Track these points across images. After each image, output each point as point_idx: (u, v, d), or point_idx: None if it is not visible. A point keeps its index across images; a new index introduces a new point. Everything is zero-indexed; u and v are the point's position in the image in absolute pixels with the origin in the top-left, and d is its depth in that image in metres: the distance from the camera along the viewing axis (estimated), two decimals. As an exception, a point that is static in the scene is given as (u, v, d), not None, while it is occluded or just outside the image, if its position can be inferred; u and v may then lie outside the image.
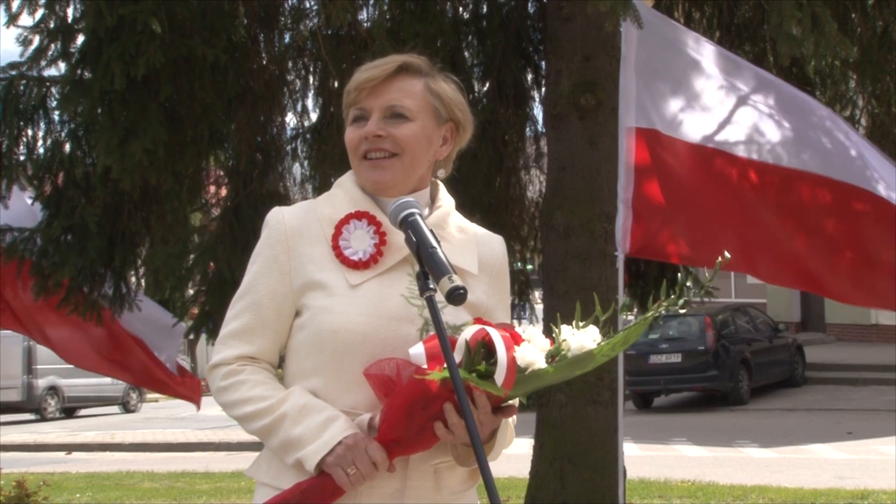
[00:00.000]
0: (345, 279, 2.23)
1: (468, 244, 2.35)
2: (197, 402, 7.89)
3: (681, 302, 2.20)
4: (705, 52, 5.24)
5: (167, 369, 7.53)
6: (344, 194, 2.33)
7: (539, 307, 8.49)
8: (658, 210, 5.15)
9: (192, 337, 6.91)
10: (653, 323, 2.26)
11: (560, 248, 6.17)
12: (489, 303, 2.35)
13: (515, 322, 2.31)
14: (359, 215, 2.28)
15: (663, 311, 2.21)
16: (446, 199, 2.40)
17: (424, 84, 2.35)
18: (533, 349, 2.12)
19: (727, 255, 2.23)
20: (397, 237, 2.25)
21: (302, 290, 2.25)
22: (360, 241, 2.26)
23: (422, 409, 2.10)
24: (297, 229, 2.28)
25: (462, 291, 2.03)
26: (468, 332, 2.13)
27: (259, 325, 2.26)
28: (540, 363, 2.11)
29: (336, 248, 2.25)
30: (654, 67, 5.17)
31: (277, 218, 2.30)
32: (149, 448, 17.88)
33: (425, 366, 2.09)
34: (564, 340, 2.15)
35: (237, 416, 2.26)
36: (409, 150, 2.30)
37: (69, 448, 18.52)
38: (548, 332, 2.22)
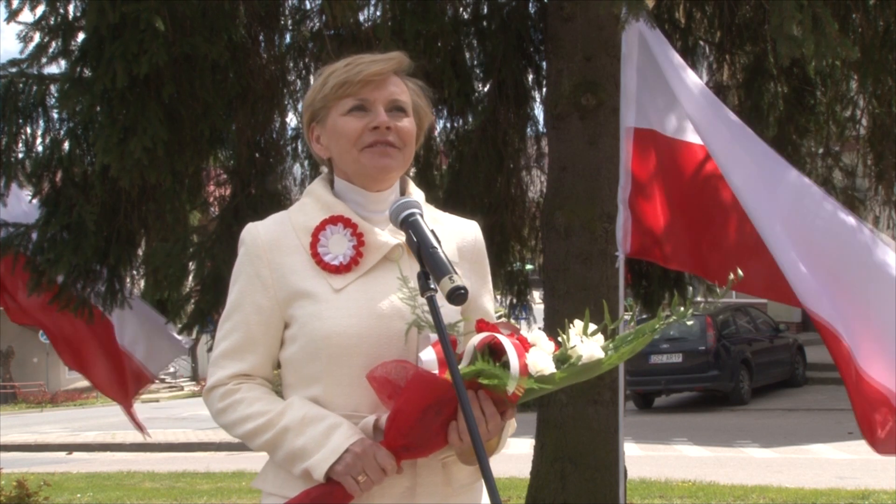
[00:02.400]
0: (329, 285, 2.23)
1: (443, 235, 2.33)
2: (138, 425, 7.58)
3: (689, 313, 2.23)
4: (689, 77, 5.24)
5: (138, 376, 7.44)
6: (315, 201, 2.33)
7: (537, 307, 8.49)
8: (656, 212, 5.15)
9: (190, 337, 6.87)
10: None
11: (561, 248, 6.16)
12: (472, 289, 2.34)
13: (514, 322, 2.30)
14: (334, 220, 2.28)
15: (673, 318, 2.23)
16: (417, 193, 2.41)
17: (408, 84, 2.37)
18: (544, 356, 2.11)
19: (740, 272, 2.26)
20: (375, 237, 2.26)
21: (287, 302, 2.25)
22: (338, 246, 2.26)
23: (435, 413, 2.10)
24: (273, 242, 2.28)
25: (463, 291, 2.02)
26: (476, 339, 2.12)
27: (249, 343, 2.27)
28: (550, 370, 2.10)
29: (316, 256, 2.25)
30: (654, 68, 5.16)
31: (253, 234, 2.30)
32: (150, 448, 17.87)
33: (437, 371, 2.08)
34: (573, 347, 2.15)
35: (240, 435, 2.26)
36: (409, 144, 2.32)
37: (70, 448, 18.54)
38: (549, 332, 2.21)
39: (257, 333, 2.26)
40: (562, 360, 2.14)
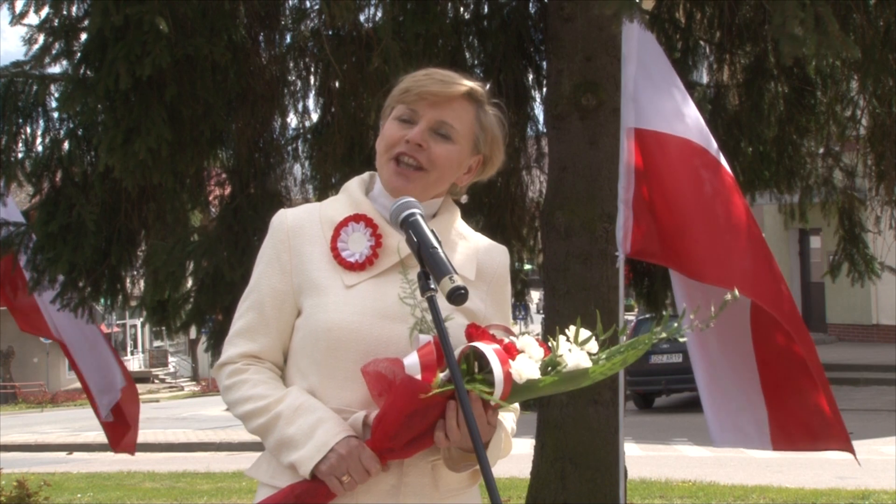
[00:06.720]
0: (341, 280, 2.27)
1: (467, 251, 2.38)
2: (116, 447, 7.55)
3: (683, 329, 2.23)
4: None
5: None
6: (347, 198, 2.38)
7: (534, 307, 8.50)
8: (657, 212, 5.14)
9: (192, 336, 6.87)
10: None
11: (561, 248, 6.16)
12: (486, 311, 2.36)
13: (513, 321, 2.30)
14: (357, 218, 2.32)
15: (664, 334, 2.23)
16: (452, 207, 2.45)
17: (476, 114, 2.37)
18: (529, 362, 2.11)
19: (737, 293, 2.26)
20: (393, 240, 2.29)
21: (301, 289, 2.29)
22: (357, 244, 2.30)
23: (421, 418, 2.11)
24: (298, 229, 2.34)
25: (463, 291, 2.03)
26: (459, 348, 2.13)
27: (262, 324, 2.32)
28: (535, 376, 2.11)
29: (334, 250, 2.30)
30: (652, 68, 5.17)
31: (280, 219, 2.37)
32: (150, 448, 17.86)
33: (419, 376, 2.10)
34: (561, 356, 2.15)
35: (239, 415, 2.31)
36: (439, 170, 2.34)
37: (70, 448, 18.53)
38: (548, 332, 2.21)
39: (271, 316, 2.31)
40: (550, 365, 2.14)
